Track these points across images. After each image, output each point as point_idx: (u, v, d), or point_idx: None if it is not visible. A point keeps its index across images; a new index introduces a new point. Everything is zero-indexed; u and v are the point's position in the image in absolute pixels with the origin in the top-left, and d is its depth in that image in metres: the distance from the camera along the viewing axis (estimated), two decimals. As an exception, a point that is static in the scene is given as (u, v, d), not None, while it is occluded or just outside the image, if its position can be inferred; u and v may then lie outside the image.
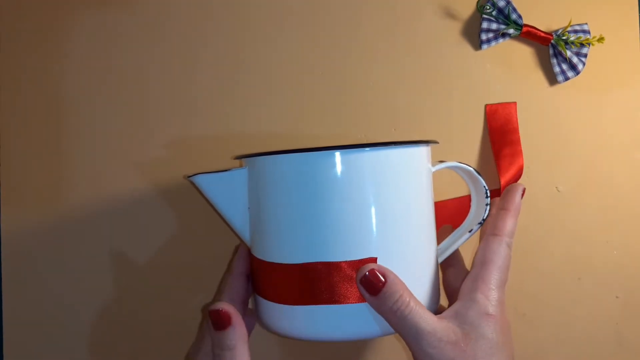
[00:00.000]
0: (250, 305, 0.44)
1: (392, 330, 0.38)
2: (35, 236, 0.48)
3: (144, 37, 0.49)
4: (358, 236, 0.37)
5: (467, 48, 0.49)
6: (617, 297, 0.49)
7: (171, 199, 0.48)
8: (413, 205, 0.38)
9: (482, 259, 0.40)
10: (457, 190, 0.48)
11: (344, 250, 0.37)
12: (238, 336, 0.38)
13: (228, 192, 0.40)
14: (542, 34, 0.48)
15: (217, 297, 0.43)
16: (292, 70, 0.49)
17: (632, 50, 0.50)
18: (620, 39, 0.50)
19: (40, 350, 0.48)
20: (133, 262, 0.48)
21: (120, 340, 0.48)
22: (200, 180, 0.40)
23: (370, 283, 0.36)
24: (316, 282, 0.37)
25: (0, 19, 0.48)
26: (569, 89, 0.50)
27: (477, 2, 0.49)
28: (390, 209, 0.37)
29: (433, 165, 0.41)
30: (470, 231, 0.43)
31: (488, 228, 0.42)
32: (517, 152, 0.48)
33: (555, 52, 0.48)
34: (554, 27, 0.49)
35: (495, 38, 0.48)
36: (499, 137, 0.49)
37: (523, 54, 0.49)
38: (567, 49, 0.48)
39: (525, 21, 0.48)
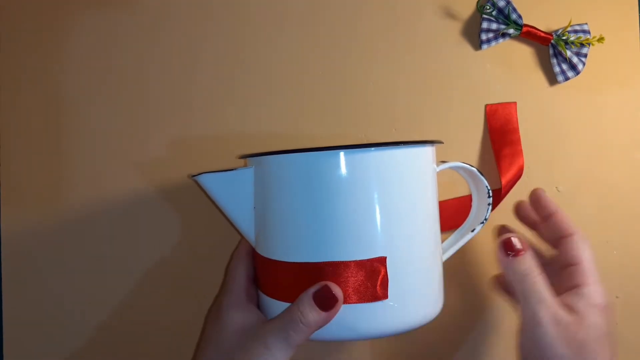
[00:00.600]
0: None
1: (398, 330, 0.38)
2: (35, 236, 0.48)
3: (144, 37, 0.49)
4: (364, 235, 0.37)
5: (467, 48, 0.49)
6: (617, 297, 0.49)
7: (171, 199, 0.48)
8: (419, 204, 0.39)
9: (569, 260, 0.41)
10: (455, 190, 0.48)
11: (350, 250, 0.37)
12: None
13: (233, 192, 0.40)
14: (542, 34, 0.48)
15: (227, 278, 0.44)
16: (292, 70, 0.49)
17: (632, 50, 0.50)
18: (620, 39, 0.50)
19: (40, 350, 0.48)
20: (133, 262, 0.48)
21: (120, 340, 0.48)
22: (205, 180, 0.40)
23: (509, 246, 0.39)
24: None
25: (1, 19, 0.48)
26: (569, 89, 0.50)
27: (477, 2, 0.49)
28: (396, 209, 0.37)
29: (436, 165, 0.41)
30: (472, 230, 0.43)
31: (550, 234, 0.44)
32: (517, 152, 0.48)
33: (555, 52, 0.48)
34: (554, 27, 0.49)
35: (495, 38, 0.48)
36: (499, 137, 0.49)
37: (523, 54, 0.49)
38: (567, 49, 0.48)
39: (525, 21, 0.48)
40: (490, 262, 0.49)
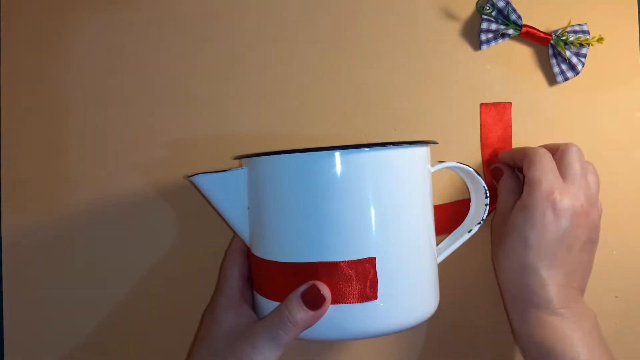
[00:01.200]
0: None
1: (387, 330, 0.38)
2: (35, 236, 0.48)
3: (144, 37, 0.49)
4: (357, 236, 0.37)
5: (467, 48, 0.49)
6: (616, 296, 0.50)
7: (171, 199, 0.48)
8: (412, 205, 0.39)
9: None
10: (455, 190, 0.48)
11: (343, 250, 0.37)
12: None
13: (228, 192, 0.40)
14: (542, 34, 0.48)
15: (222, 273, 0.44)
16: (292, 70, 0.49)
17: (631, 50, 0.50)
18: (619, 39, 0.50)
19: (40, 350, 0.48)
20: (133, 261, 0.48)
21: (120, 340, 0.48)
22: (200, 180, 0.40)
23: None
24: None
25: (2, 19, 0.48)
26: (568, 89, 0.50)
27: (477, 3, 0.49)
28: (389, 209, 0.37)
29: (432, 165, 0.41)
30: (469, 231, 0.43)
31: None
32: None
33: (555, 52, 0.48)
34: (554, 28, 0.49)
35: (495, 38, 0.48)
36: (492, 134, 0.49)
37: (522, 54, 0.50)
38: (566, 49, 0.48)
39: (524, 21, 0.48)
40: (488, 263, 0.49)
